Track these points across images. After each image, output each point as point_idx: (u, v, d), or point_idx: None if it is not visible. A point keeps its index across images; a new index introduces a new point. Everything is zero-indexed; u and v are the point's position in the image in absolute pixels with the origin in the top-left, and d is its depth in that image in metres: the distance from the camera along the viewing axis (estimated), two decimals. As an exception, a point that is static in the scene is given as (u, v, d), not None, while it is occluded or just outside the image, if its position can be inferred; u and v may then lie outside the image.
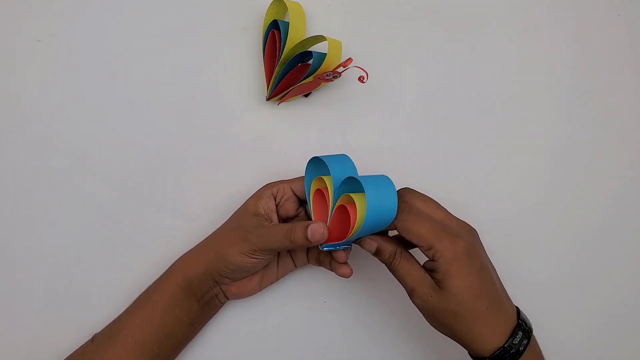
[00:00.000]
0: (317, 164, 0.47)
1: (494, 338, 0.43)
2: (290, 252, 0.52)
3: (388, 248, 0.46)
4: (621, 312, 0.55)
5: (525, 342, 0.43)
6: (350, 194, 0.43)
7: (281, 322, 0.54)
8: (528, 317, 0.46)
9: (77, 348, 0.50)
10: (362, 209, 0.42)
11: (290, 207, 0.49)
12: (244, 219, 0.48)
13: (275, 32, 0.53)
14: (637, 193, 0.57)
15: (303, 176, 0.49)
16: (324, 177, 0.46)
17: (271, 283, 0.52)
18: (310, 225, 0.44)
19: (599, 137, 0.57)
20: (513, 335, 0.43)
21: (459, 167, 0.56)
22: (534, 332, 0.45)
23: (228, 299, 0.51)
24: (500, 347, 0.43)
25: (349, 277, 0.47)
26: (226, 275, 0.48)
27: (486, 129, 0.56)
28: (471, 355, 0.46)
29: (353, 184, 0.44)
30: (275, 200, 0.49)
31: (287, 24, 0.52)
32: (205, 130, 0.55)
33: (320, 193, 0.47)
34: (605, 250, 0.56)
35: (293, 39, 0.51)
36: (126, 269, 0.54)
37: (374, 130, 0.55)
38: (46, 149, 0.54)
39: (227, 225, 0.50)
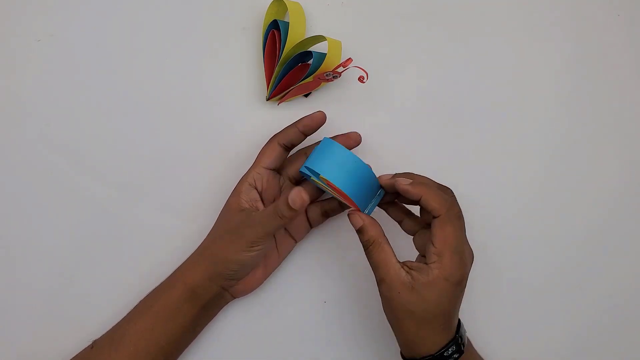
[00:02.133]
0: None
1: (431, 345, 0.45)
2: (286, 229, 0.52)
3: (371, 231, 0.46)
4: (620, 312, 0.55)
5: (456, 356, 0.45)
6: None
7: (281, 322, 0.54)
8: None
9: (77, 353, 0.50)
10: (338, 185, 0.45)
11: (273, 186, 0.50)
12: (231, 219, 0.48)
13: (275, 32, 0.53)
14: (637, 193, 0.57)
15: (268, 146, 0.49)
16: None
17: (274, 268, 0.52)
18: (289, 196, 0.44)
19: (599, 137, 0.57)
20: (446, 347, 0.45)
21: (459, 167, 0.56)
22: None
23: (235, 298, 0.51)
24: (430, 355, 0.44)
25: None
26: (231, 278, 0.48)
27: (486, 128, 0.56)
28: (402, 354, 0.47)
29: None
30: (257, 189, 0.49)
31: (287, 24, 0.52)
32: (205, 130, 0.55)
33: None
34: (605, 250, 0.56)
35: (293, 39, 0.51)
36: (126, 268, 0.54)
37: (374, 130, 0.55)
38: (46, 149, 0.54)
39: (217, 230, 0.50)
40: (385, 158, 0.55)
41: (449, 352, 0.45)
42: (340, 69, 0.50)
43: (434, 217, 0.45)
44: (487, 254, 0.54)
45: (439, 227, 0.44)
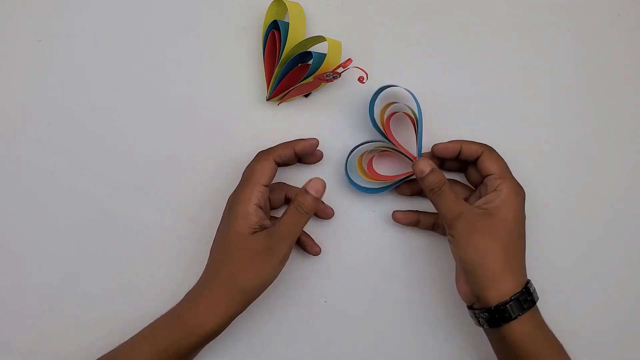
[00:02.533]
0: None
1: (512, 282, 0.45)
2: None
3: (439, 175, 0.47)
4: (627, 311, 0.55)
5: (531, 299, 0.46)
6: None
7: (281, 322, 0.54)
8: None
9: (76, 353, 0.50)
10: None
11: (267, 203, 0.50)
12: (248, 245, 0.46)
13: (275, 32, 0.53)
14: (638, 193, 0.57)
15: (264, 163, 0.49)
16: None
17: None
18: (308, 188, 0.47)
19: (599, 138, 0.57)
20: (528, 285, 0.46)
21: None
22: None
23: None
24: (519, 292, 0.45)
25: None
26: (257, 297, 0.48)
27: (486, 128, 0.56)
28: (473, 309, 0.47)
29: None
30: (261, 208, 0.48)
31: (287, 24, 0.52)
32: (206, 130, 0.55)
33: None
34: (609, 250, 0.56)
35: (293, 40, 0.51)
36: (126, 268, 0.54)
37: (374, 131, 0.55)
38: (46, 149, 0.54)
39: (232, 262, 0.46)
40: (385, 158, 0.55)
41: (533, 288, 0.46)
42: (340, 70, 0.50)
43: (477, 158, 0.49)
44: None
45: (488, 159, 0.49)
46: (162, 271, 0.54)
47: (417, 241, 0.55)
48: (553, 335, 0.47)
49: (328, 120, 0.56)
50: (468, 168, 0.52)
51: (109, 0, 0.56)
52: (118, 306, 0.53)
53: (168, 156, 0.55)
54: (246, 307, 0.48)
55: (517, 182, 0.49)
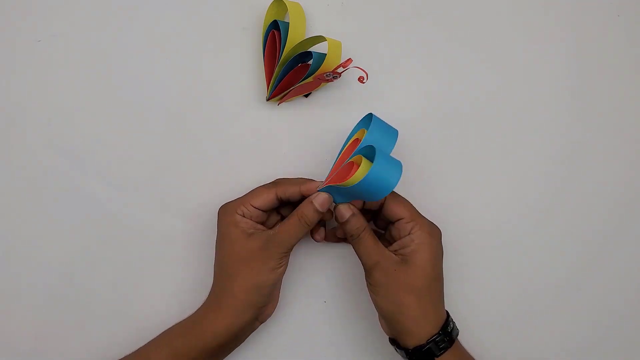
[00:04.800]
0: (380, 125, 0.48)
1: (429, 326, 0.46)
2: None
3: (360, 220, 0.47)
4: (622, 317, 0.55)
5: (442, 346, 0.46)
6: (363, 157, 0.46)
7: (281, 322, 0.54)
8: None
9: (76, 353, 0.50)
10: (362, 174, 0.44)
11: (260, 219, 0.49)
12: (244, 247, 0.47)
13: (275, 32, 0.53)
14: (638, 193, 0.57)
15: (266, 192, 0.49)
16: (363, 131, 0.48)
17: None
18: (314, 200, 0.47)
19: (599, 138, 0.57)
20: (446, 324, 0.47)
21: (459, 168, 0.56)
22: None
23: (262, 323, 0.51)
24: (435, 334, 0.46)
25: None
26: (263, 303, 0.48)
27: (486, 129, 0.56)
28: (397, 345, 0.48)
29: (372, 152, 0.45)
30: (249, 219, 0.48)
31: (287, 25, 0.52)
32: (206, 131, 0.55)
33: (356, 141, 0.49)
34: (608, 253, 0.56)
35: (293, 40, 0.51)
36: (126, 268, 0.54)
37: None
38: (46, 149, 0.54)
39: (229, 267, 0.48)
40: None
41: (450, 327, 0.47)
42: (340, 70, 0.50)
43: (381, 206, 0.49)
44: (490, 256, 0.54)
45: (393, 204, 0.48)
46: (162, 271, 0.54)
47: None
48: None
49: (328, 120, 0.56)
50: (375, 216, 0.51)
51: (109, 1, 0.56)
52: (118, 306, 0.53)
53: (168, 156, 0.55)
54: (255, 312, 0.48)
55: (430, 222, 0.49)
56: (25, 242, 0.54)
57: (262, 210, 0.49)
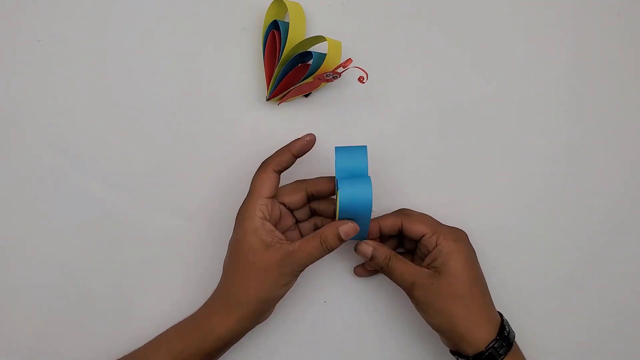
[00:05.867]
0: (344, 152, 0.48)
1: (484, 331, 0.46)
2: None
3: (383, 252, 0.49)
4: (621, 316, 0.55)
5: (502, 351, 0.46)
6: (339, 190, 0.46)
7: (281, 322, 0.54)
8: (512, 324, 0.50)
9: (76, 353, 0.50)
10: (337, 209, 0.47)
11: (275, 213, 0.49)
12: (260, 258, 0.46)
13: (275, 32, 0.53)
14: (638, 193, 0.57)
15: (264, 175, 0.48)
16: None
17: None
18: (340, 228, 0.46)
19: (600, 138, 0.57)
20: (502, 328, 0.47)
21: (459, 169, 0.56)
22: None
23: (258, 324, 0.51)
24: (493, 340, 0.46)
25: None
26: (268, 312, 0.49)
27: (486, 129, 0.56)
28: (457, 354, 0.48)
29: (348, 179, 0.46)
30: (267, 220, 0.48)
31: (287, 24, 0.52)
32: (206, 131, 0.55)
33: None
34: (609, 253, 0.56)
35: (293, 39, 0.51)
36: (126, 268, 0.54)
37: (373, 131, 0.56)
38: (46, 149, 0.54)
39: (242, 274, 0.47)
40: (385, 158, 0.55)
41: (507, 331, 0.47)
42: (340, 70, 0.50)
43: (402, 225, 0.49)
44: (491, 256, 0.54)
45: (410, 224, 0.49)
46: (162, 271, 0.54)
47: (417, 241, 0.55)
48: None
49: (328, 121, 0.56)
50: (401, 239, 0.53)
51: (108, 1, 0.56)
52: (118, 306, 0.53)
53: (168, 156, 0.55)
54: (259, 318, 0.48)
55: (452, 229, 0.49)
56: (25, 242, 0.54)
57: (272, 198, 0.48)
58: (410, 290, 0.48)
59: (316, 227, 0.52)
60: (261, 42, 0.55)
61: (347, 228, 0.46)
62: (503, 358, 0.46)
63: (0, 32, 0.55)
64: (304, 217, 0.52)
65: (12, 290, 0.53)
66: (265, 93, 0.55)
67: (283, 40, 0.52)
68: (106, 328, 0.53)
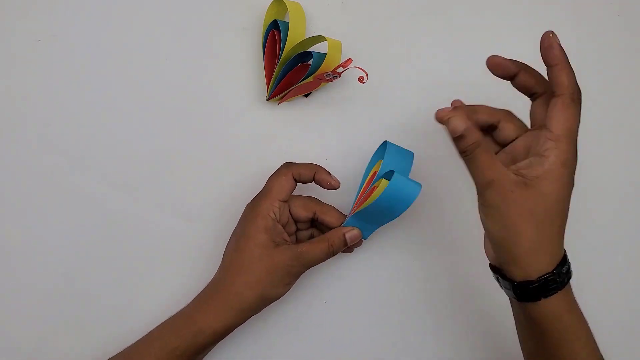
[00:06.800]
0: (395, 150, 0.49)
1: (543, 261, 0.40)
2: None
3: (474, 135, 0.41)
4: (625, 316, 0.55)
5: (561, 280, 0.40)
6: (383, 179, 0.48)
7: (281, 322, 0.54)
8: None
9: (76, 354, 0.50)
10: (382, 189, 0.46)
11: (285, 216, 0.50)
12: (271, 257, 0.47)
13: (275, 32, 0.53)
14: (638, 193, 0.57)
15: (284, 178, 0.49)
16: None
17: None
18: (347, 234, 0.49)
19: (600, 138, 0.57)
20: (562, 263, 0.41)
21: (459, 168, 0.56)
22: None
23: None
24: (548, 273, 0.40)
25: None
26: (266, 306, 0.49)
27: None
28: (501, 274, 0.43)
29: (391, 174, 0.47)
30: (278, 222, 0.49)
31: (287, 24, 0.52)
32: (205, 130, 0.55)
33: (374, 174, 0.50)
34: (610, 252, 0.56)
35: (293, 39, 0.51)
36: (126, 268, 0.54)
37: (374, 131, 0.56)
38: (46, 149, 0.54)
39: (251, 273, 0.47)
40: (385, 158, 0.55)
41: (565, 269, 0.41)
42: (340, 69, 0.50)
43: (556, 96, 0.41)
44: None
45: (561, 108, 0.40)
46: (162, 271, 0.54)
47: (419, 241, 0.55)
48: (580, 315, 0.42)
49: (328, 120, 0.56)
50: (534, 102, 0.45)
51: (108, 1, 0.56)
52: (119, 306, 0.53)
53: (168, 156, 0.55)
54: (255, 313, 0.49)
55: (572, 150, 0.40)
56: (25, 242, 0.54)
57: (284, 202, 0.49)
58: (484, 188, 0.41)
59: (312, 237, 0.52)
60: (261, 42, 0.55)
61: (354, 234, 0.49)
62: (552, 295, 0.40)
63: (0, 32, 0.55)
64: (304, 227, 0.52)
65: (12, 290, 0.53)
66: (265, 93, 0.55)
67: (283, 40, 0.52)
68: (106, 328, 0.53)
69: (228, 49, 0.56)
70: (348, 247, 0.50)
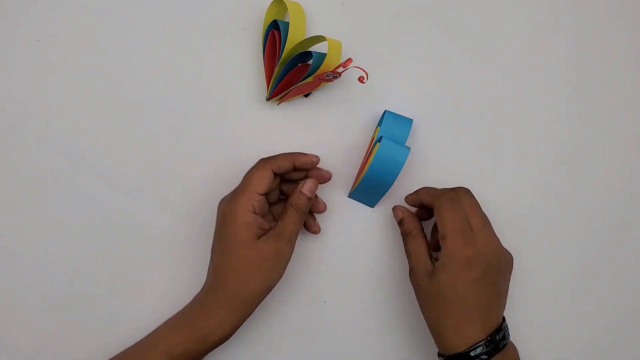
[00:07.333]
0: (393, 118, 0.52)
1: (469, 333, 0.44)
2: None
3: (410, 224, 0.50)
4: (625, 316, 0.55)
5: (484, 357, 0.44)
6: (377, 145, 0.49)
7: (281, 322, 0.54)
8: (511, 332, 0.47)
9: (76, 354, 0.50)
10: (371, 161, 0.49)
11: (265, 209, 0.50)
12: (258, 252, 0.46)
13: (275, 32, 0.53)
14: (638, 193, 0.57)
15: (261, 172, 0.48)
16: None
17: None
18: (302, 189, 0.49)
19: (600, 138, 0.57)
20: (496, 332, 0.45)
21: (459, 169, 0.56)
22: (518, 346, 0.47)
23: None
24: (477, 343, 0.44)
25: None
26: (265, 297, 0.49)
27: (486, 129, 0.56)
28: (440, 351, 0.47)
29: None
30: (258, 213, 0.48)
31: (287, 24, 0.52)
32: (206, 131, 0.55)
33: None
34: (610, 251, 0.56)
35: (293, 39, 0.51)
36: (126, 268, 0.54)
37: (374, 131, 0.56)
38: (46, 149, 0.54)
39: (240, 270, 0.47)
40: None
41: (477, 352, 0.44)
42: (340, 69, 0.50)
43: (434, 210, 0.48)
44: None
45: (436, 214, 0.47)
46: (162, 271, 0.54)
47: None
48: None
49: (328, 120, 0.56)
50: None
51: (108, 1, 0.56)
52: (119, 306, 0.53)
53: (168, 156, 0.55)
54: (255, 309, 0.48)
55: (459, 240, 0.45)
56: (25, 242, 0.54)
57: (264, 195, 0.48)
58: (409, 272, 0.48)
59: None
60: (261, 42, 0.55)
61: (308, 186, 0.49)
62: None
63: (0, 32, 0.55)
64: (275, 199, 0.52)
65: (13, 290, 0.53)
66: (265, 93, 0.55)
67: (283, 40, 0.52)
68: (106, 327, 0.53)
69: (228, 49, 0.56)
70: (318, 202, 0.52)
